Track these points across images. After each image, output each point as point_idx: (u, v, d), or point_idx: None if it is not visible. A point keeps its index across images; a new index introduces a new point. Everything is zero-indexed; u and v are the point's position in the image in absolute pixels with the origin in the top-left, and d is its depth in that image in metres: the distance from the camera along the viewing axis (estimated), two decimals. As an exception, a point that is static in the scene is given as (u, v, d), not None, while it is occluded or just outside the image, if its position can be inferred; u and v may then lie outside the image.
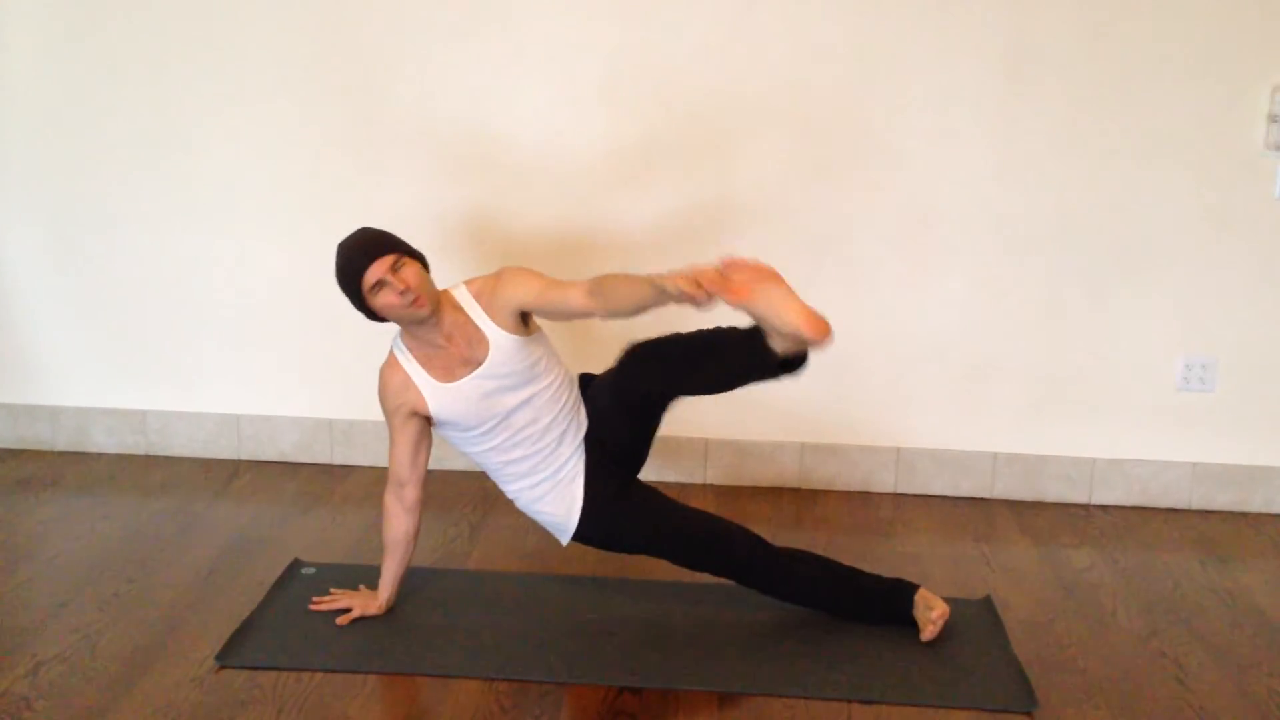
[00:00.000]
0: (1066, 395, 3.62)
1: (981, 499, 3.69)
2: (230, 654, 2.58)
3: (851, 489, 3.73)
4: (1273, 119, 3.38)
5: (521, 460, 2.72)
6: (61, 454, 3.87)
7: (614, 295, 2.52)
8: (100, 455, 3.86)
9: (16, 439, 3.90)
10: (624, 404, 2.70)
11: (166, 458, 3.85)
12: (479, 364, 2.66)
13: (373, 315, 2.66)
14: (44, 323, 3.82)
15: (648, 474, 2.87)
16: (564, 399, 2.74)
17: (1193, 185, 3.47)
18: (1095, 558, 3.27)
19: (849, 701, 2.46)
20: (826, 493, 3.70)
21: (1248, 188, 3.45)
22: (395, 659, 2.58)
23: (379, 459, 3.81)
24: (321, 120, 3.60)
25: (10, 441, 3.91)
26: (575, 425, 2.74)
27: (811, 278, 3.49)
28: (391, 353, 2.74)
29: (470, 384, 2.66)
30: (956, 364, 3.63)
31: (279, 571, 3.00)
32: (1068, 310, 3.57)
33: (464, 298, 2.71)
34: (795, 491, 3.69)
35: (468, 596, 2.89)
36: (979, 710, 2.45)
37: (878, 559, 3.19)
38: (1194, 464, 3.62)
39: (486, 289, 2.71)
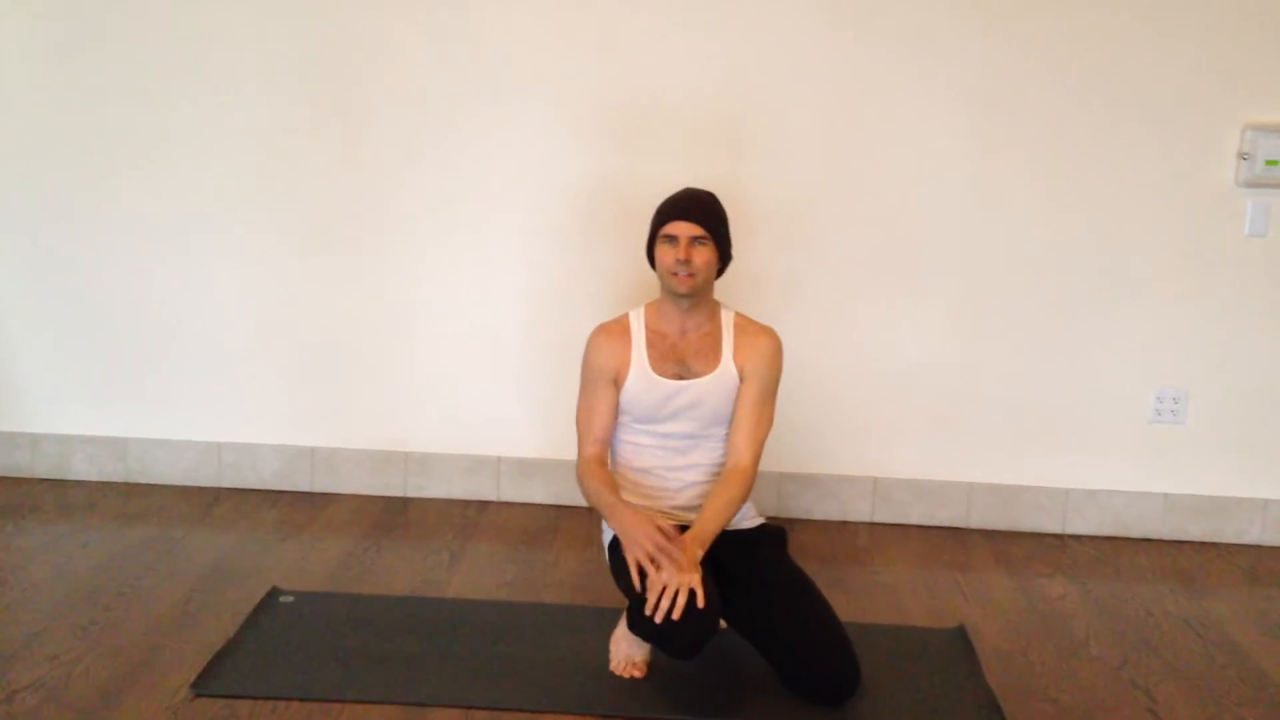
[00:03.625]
0: (1042, 426, 3.67)
1: (957, 528, 3.73)
2: (206, 683, 2.57)
3: (829, 518, 3.76)
4: (1242, 157, 3.45)
5: (641, 470, 2.76)
6: (41, 482, 3.87)
7: (715, 501, 2.63)
8: (80, 483, 3.86)
9: (-4, 466, 3.91)
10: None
11: (147, 485, 3.85)
12: (694, 376, 2.71)
13: (651, 258, 2.75)
14: (24, 350, 3.82)
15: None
16: (718, 464, 2.75)
17: (1165, 221, 3.52)
18: (1069, 587, 3.30)
19: (823, 731, 2.48)
20: (804, 522, 3.72)
21: (1219, 224, 3.52)
22: (372, 688, 2.58)
23: (361, 487, 3.82)
24: (307, 150, 3.63)
25: (-10, 468, 3.91)
26: (706, 493, 2.74)
27: (789, 308, 3.54)
28: (626, 316, 2.79)
29: (670, 385, 2.71)
30: (933, 395, 3.67)
31: (257, 600, 3.00)
32: (1043, 342, 3.62)
33: (726, 318, 2.78)
34: (773, 521, 3.70)
35: (446, 625, 2.89)
36: (951, 739, 2.48)
37: (854, 587, 3.22)
38: (1166, 495, 3.66)
39: (750, 330, 2.77)
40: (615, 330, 2.79)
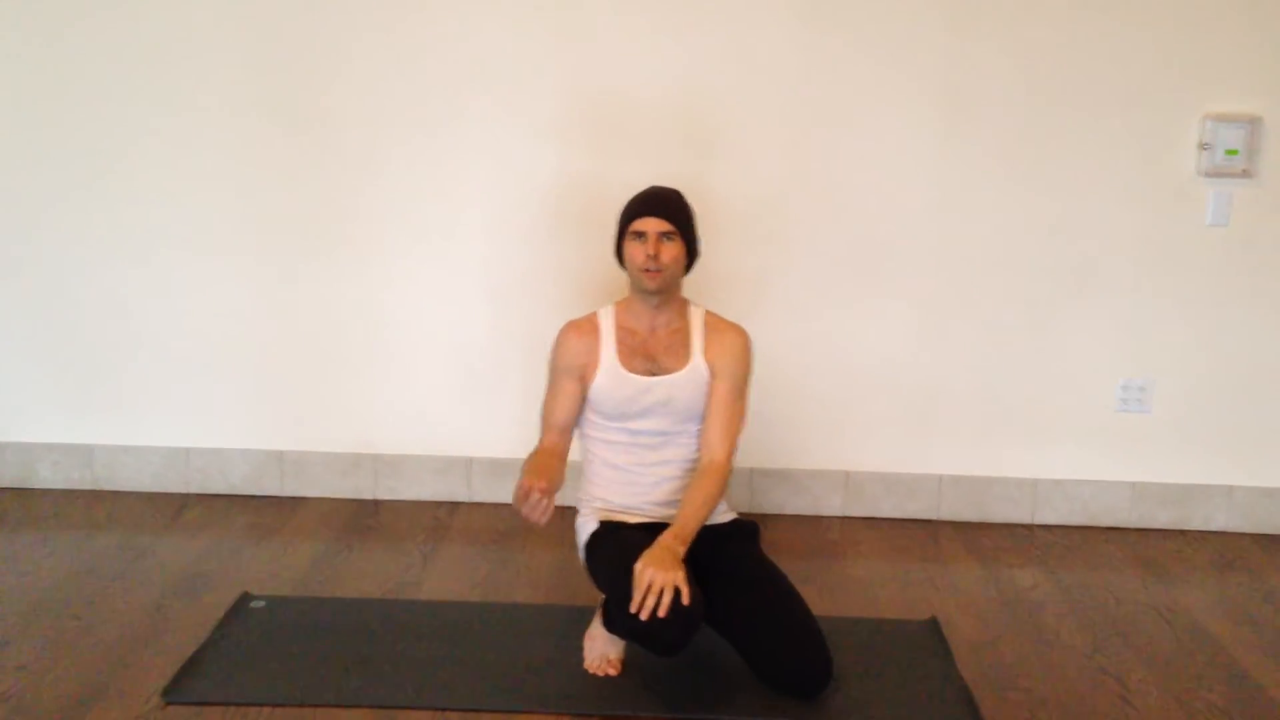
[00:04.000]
0: (1010, 418, 3.69)
1: (928, 520, 3.75)
2: (177, 690, 2.55)
3: (801, 513, 3.77)
4: (1203, 147, 3.48)
5: (615, 468, 2.77)
6: (5, 490, 3.81)
7: (694, 497, 2.63)
8: (46, 491, 3.81)
9: (-41, 476, 3.85)
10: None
11: (113, 492, 3.81)
12: (665, 372, 2.73)
13: (619, 255, 2.76)
14: (-13, 357, 3.78)
15: (597, 502, 2.88)
16: (691, 460, 2.77)
17: (1128, 212, 3.56)
18: (1039, 577, 3.33)
19: (798, 724, 2.49)
20: (777, 517, 3.73)
21: (1181, 214, 3.55)
22: (345, 692, 2.57)
23: (331, 490, 3.80)
24: (270, 155, 3.60)
25: (-47, 478, 3.85)
26: (680, 488, 2.75)
27: (759, 306, 3.55)
28: (595, 314, 2.80)
29: (640, 381, 2.72)
30: (903, 389, 3.69)
31: (228, 605, 2.97)
32: (1010, 335, 3.64)
33: (696, 316, 2.80)
34: (745, 516, 3.71)
35: (419, 626, 2.88)
36: (925, 730, 2.49)
37: (826, 581, 3.24)
38: (1133, 483, 3.69)
39: (720, 328, 2.80)
40: (584, 327, 2.79)
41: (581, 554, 2.80)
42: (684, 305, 2.81)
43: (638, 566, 2.44)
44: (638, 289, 2.74)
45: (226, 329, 3.72)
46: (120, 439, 3.80)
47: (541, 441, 2.78)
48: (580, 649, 2.72)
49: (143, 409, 3.78)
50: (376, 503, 3.80)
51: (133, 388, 3.77)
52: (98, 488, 3.83)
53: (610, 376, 2.73)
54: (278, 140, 3.59)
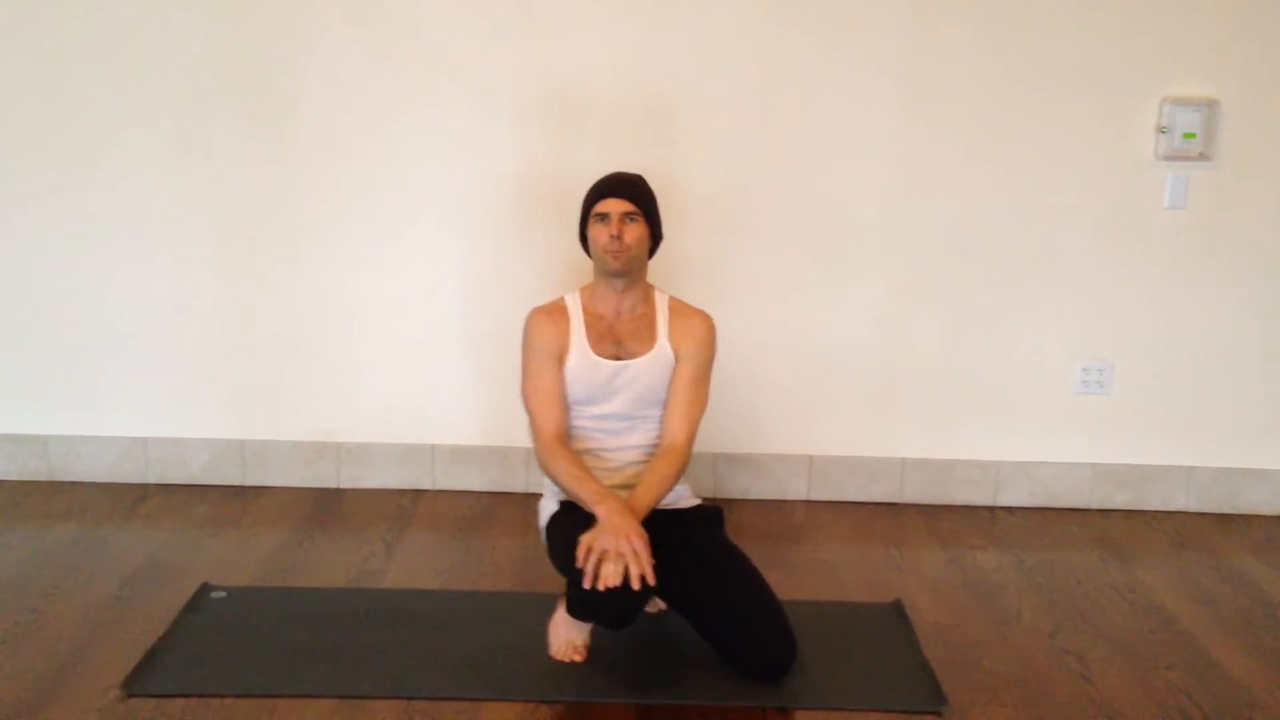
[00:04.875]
0: (971, 401, 3.72)
1: (892, 504, 3.77)
2: (137, 682, 2.52)
3: (766, 498, 3.78)
4: (1161, 130, 3.51)
5: (579, 452, 2.74)
6: (-41, 482, 3.77)
7: (650, 477, 2.63)
8: (0, 483, 3.76)
9: (-89, 468, 3.78)
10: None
11: (70, 483, 3.76)
12: (631, 356, 2.73)
13: (584, 241, 2.77)
14: (-61, 347, 3.71)
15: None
16: (654, 445, 2.77)
17: (1088, 196, 3.58)
18: (1001, 558, 3.35)
19: (764, 708, 2.49)
20: (741, 502, 3.74)
21: (1140, 198, 3.58)
22: (308, 682, 2.55)
23: (293, 479, 3.77)
24: (230, 143, 3.55)
25: (-95, 470, 3.79)
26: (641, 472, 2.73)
27: (722, 292, 3.55)
28: (562, 299, 2.79)
29: (609, 366, 2.71)
30: (865, 373, 3.70)
31: (188, 596, 2.94)
32: (971, 319, 3.66)
33: (661, 301, 2.80)
34: (710, 501, 3.71)
35: (384, 616, 2.86)
36: (889, 711, 2.50)
37: (792, 565, 3.25)
38: (1093, 465, 3.73)
39: (685, 313, 2.80)
40: (554, 311, 2.79)
41: (542, 535, 2.80)
42: (649, 291, 2.81)
43: (584, 538, 2.44)
44: (603, 272, 2.73)
45: (185, 317, 3.67)
46: (77, 429, 3.75)
47: (547, 436, 2.70)
48: (546, 636, 2.71)
49: (100, 398, 3.73)
50: (339, 491, 3.77)
51: (90, 376, 3.72)
52: (54, 478, 3.78)
53: (582, 360, 2.73)
54: (238, 129, 3.55)
